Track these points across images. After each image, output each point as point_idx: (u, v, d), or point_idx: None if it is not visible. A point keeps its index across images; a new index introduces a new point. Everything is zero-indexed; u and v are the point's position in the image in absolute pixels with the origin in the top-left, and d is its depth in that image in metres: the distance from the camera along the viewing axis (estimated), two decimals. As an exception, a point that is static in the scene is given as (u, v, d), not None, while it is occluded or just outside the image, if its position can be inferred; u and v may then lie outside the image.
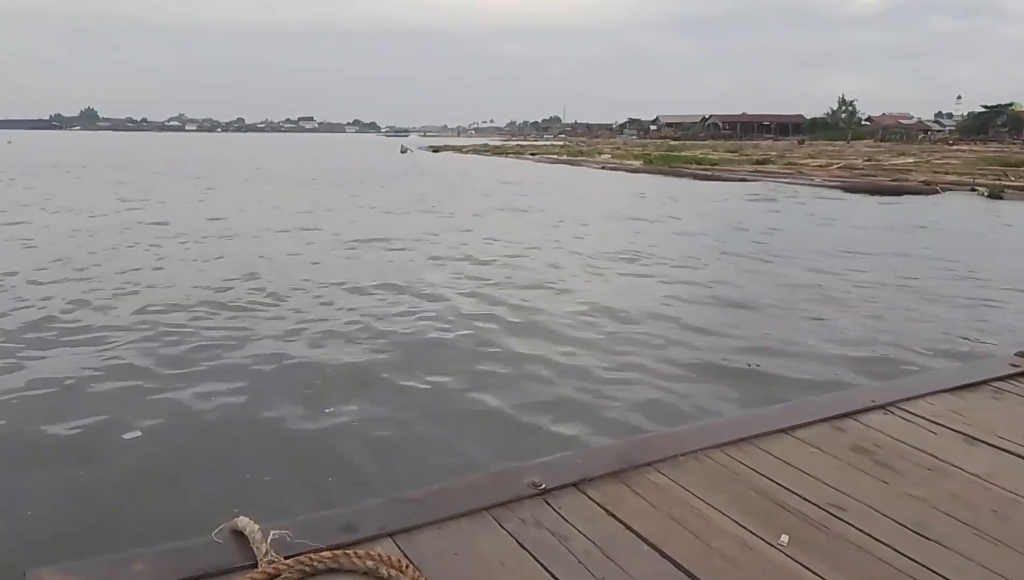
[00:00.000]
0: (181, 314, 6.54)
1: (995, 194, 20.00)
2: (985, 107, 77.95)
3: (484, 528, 1.79)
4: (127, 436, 3.93)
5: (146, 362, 5.23)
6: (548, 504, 1.90)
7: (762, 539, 1.78)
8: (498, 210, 16.48)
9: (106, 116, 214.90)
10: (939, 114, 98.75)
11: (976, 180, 22.91)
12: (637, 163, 35.94)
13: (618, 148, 56.07)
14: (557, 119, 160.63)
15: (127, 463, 3.68)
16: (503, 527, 1.79)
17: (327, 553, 1.59)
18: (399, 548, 1.68)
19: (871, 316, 6.96)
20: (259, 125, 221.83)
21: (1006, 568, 1.69)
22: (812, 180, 25.25)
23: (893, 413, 2.59)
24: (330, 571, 1.56)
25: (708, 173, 29.07)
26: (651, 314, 6.91)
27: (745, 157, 38.37)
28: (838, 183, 23.80)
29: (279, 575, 1.53)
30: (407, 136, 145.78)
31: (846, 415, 2.55)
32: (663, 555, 1.70)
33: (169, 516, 3.12)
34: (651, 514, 1.88)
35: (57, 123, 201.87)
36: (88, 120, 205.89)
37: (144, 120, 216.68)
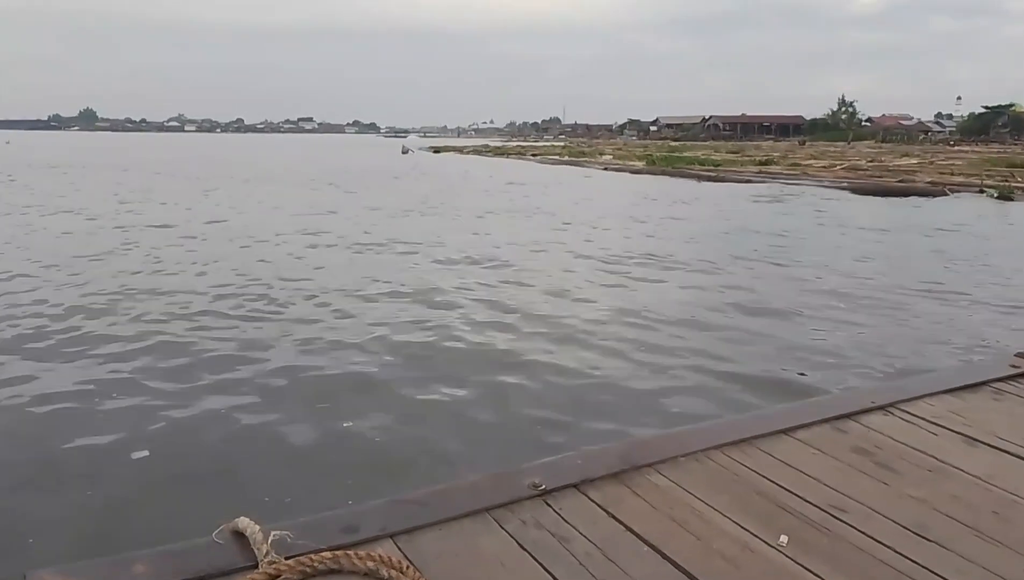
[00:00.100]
0: (183, 322, 6.38)
1: (1005, 195, 19.87)
2: (986, 108, 78.02)
3: (485, 529, 1.79)
4: (135, 455, 3.82)
5: (149, 370, 5.13)
6: (548, 505, 1.90)
7: (763, 540, 1.78)
8: (504, 211, 16.39)
9: (105, 116, 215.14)
10: (939, 115, 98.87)
11: (984, 181, 22.81)
12: (640, 164, 35.89)
13: (619, 149, 56.09)
14: (557, 120, 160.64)
15: (132, 477, 3.62)
16: (503, 528, 1.79)
17: (328, 554, 1.59)
18: (400, 549, 1.68)
19: (900, 322, 6.82)
20: (258, 125, 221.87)
21: (1007, 570, 1.69)
22: (818, 181, 25.14)
23: (893, 414, 2.59)
24: (331, 572, 1.56)
25: (712, 174, 28.98)
26: (680, 321, 6.75)
27: (747, 158, 38.27)
28: (844, 184, 23.72)
29: (280, 576, 1.53)
30: (406, 137, 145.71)
31: (846, 416, 2.55)
32: (664, 556, 1.70)
33: (175, 527, 3.08)
34: (652, 515, 1.88)
35: (56, 123, 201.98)
36: (87, 120, 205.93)
37: (143, 120, 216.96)
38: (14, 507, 3.35)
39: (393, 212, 15.90)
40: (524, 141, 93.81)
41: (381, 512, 1.83)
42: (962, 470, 2.18)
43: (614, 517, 1.86)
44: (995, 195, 20.15)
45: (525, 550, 1.70)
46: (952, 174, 26.13)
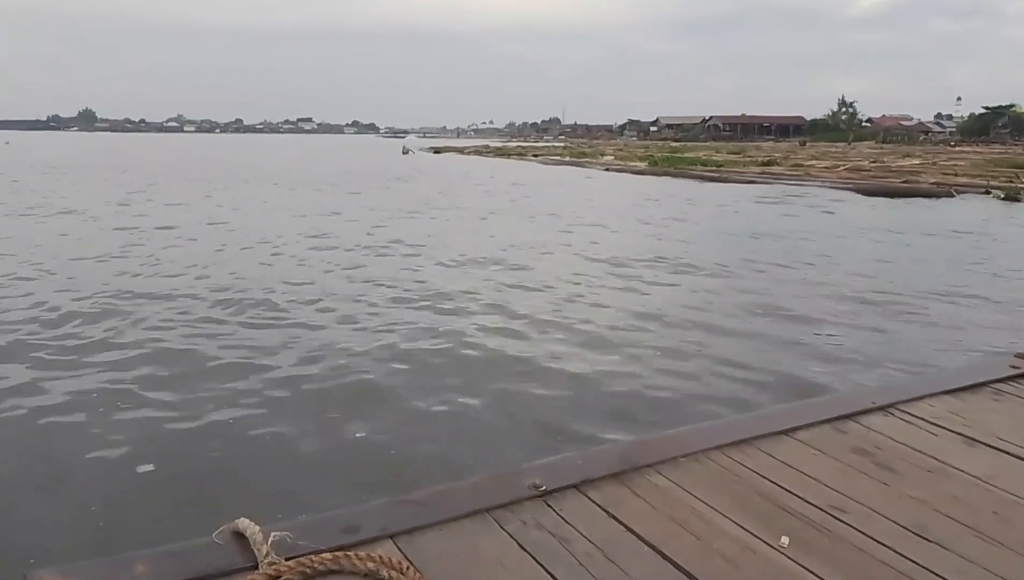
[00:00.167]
0: (185, 326, 6.30)
1: (1012, 197, 19.77)
2: (986, 108, 78.00)
3: (485, 530, 1.79)
4: (141, 470, 3.74)
5: (151, 374, 5.08)
6: (549, 506, 1.90)
7: (763, 541, 1.78)
8: (508, 213, 16.34)
9: (104, 117, 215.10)
10: (939, 115, 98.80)
11: (990, 182, 22.70)
12: (642, 164, 35.86)
13: (620, 149, 56.09)
14: (556, 120, 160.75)
15: (134, 481, 3.59)
16: (504, 529, 1.79)
17: (328, 555, 1.59)
18: (400, 550, 1.68)
19: (913, 324, 6.75)
20: (258, 126, 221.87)
21: (1007, 570, 1.69)
22: (822, 182, 25.05)
23: (893, 415, 2.60)
24: (331, 572, 1.57)
25: (715, 175, 28.87)
26: (686, 322, 6.70)
27: (749, 159, 38.17)
28: (849, 185, 23.64)
29: (280, 576, 1.53)
30: (405, 137, 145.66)
31: (847, 417, 2.55)
32: (664, 557, 1.70)
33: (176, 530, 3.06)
34: (652, 516, 1.88)
35: (55, 124, 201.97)
36: (86, 121, 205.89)
37: (142, 121, 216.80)
38: (14, 509, 3.35)
39: (397, 214, 15.84)
40: (524, 142, 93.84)
41: (381, 513, 1.83)
42: (962, 471, 2.18)
43: (614, 518, 1.86)
44: (1002, 196, 20.05)
45: (525, 550, 1.70)
46: (956, 175, 26.04)
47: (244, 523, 1.66)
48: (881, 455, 2.27)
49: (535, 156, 49.95)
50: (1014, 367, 3.04)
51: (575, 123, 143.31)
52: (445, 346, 5.87)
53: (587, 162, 41.05)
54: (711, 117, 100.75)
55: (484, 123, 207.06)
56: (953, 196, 20.69)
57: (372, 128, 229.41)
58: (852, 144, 61.54)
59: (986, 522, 1.89)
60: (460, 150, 66.25)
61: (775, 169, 31.06)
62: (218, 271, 8.86)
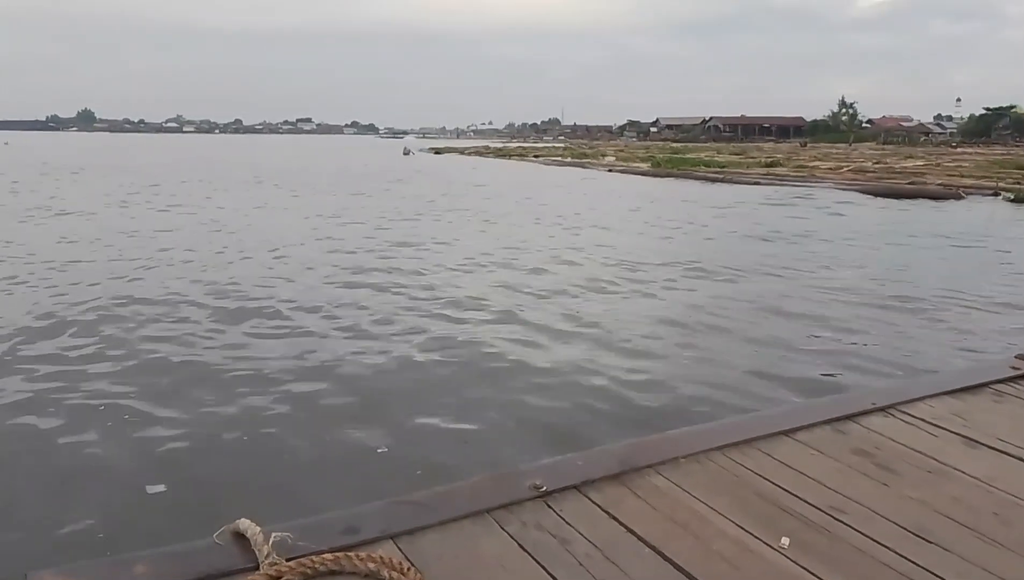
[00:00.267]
0: (191, 335, 6.20)
1: (1021, 198, 19.64)
2: (987, 110, 78.02)
3: (485, 530, 1.79)
4: (151, 490, 3.63)
5: (153, 378, 5.06)
6: (549, 506, 1.90)
7: (763, 542, 1.78)
8: (514, 214, 16.23)
9: (103, 117, 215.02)
10: (939, 116, 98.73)
11: (999, 184, 22.57)
12: (644, 166, 35.79)
13: (621, 150, 56.04)
14: (556, 121, 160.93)
15: (135, 492, 3.54)
16: (504, 529, 1.79)
17: (329, 555, 1.59)
18: (400, 550, 1.68)
19: (925, 328, 6.70)
20: (257, 126, 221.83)
21: (1007, 571, 1.69)
22: (828, 184, 24.94)
23: (894, 415, 2.60)
24: (332, 573, 1.57)
25: (719, 176, 28.72)
26: (693, 322, 6.67)
27: (752, 160, 38.10)
28: (855, 186, 23.54)
29: (280, 577, 1.53)
30: (404, 137, 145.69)
31: (847, 418, 2.55)
32: (664, 557, 1.71)
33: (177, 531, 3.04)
34: (652, 516, 1.88)
35: (54, 124, 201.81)
36: (85, 121, 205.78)
37: (141, 121, 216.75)
38: (14, 509, 3.35)
39: (403, 216, 15.67)
40: (524, 142, 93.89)
41: (382, 513, 1.83)
42: (962, 472, 2.18)
43: (615, 518, 1.86)
44: (1011, 198, 19.91)
45: (526, 551, 1.70)
46: (961, 176, 25.95)
47: (245, 524, 1.66)
48: (881, 456, 2.27)
49: (536, 157, 49.92)
50: (1014, 368, 3.04)
51: (575, 124, 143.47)
52: (452, 351, 5.81)
53: (589, 163, 40.99)
54: (711, 118, 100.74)
55: (483, 124, 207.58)
56: (961, 197, 20.50)
57: (371, 129, 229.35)
58: (853, 145, 61.52)
59: (986, 523, 1.89)
60: (461, 151, 66.27)
61: (779, 170, 30.91)
62: (220, 275, 8.79)
